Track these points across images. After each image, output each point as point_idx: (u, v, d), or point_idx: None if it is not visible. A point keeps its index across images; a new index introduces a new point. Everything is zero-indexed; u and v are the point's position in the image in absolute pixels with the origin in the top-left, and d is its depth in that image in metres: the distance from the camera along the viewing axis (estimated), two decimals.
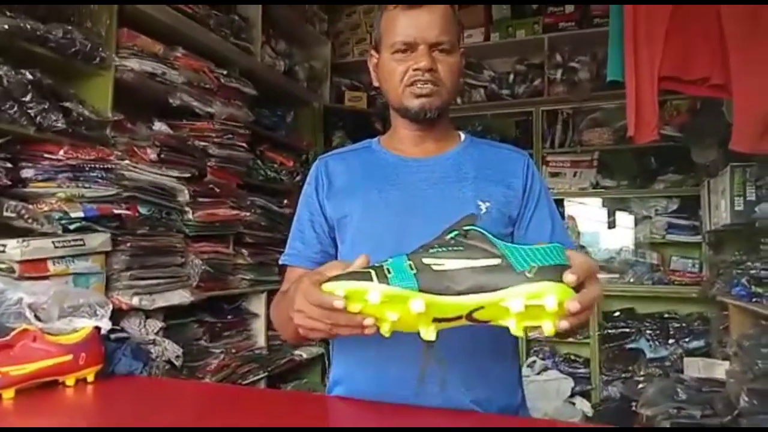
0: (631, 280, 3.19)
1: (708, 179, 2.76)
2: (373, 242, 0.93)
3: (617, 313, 3.22)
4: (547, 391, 2.97)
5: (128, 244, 1.81)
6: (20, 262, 1.44)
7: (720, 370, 2.40)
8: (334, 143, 3.45)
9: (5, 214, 1.50)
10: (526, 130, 3.45)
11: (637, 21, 1.92)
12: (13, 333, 0.94)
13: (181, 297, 1.99)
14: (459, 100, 3.43)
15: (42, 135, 1.60)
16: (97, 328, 1.06)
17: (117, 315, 1.69)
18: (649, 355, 3.02)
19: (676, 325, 3.04)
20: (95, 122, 1.74)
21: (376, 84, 1.05)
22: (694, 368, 2.61)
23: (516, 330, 0.64)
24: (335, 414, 0.93)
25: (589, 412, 2.94)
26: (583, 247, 3.40)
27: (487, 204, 0.95)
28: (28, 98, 1.53)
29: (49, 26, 1.62)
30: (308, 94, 3.30)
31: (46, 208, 1.57)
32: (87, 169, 1.69)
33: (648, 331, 3.06)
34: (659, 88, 1.92)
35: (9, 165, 1.55)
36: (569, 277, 0.60)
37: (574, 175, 3.35)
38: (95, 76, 1.83)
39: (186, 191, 2.10)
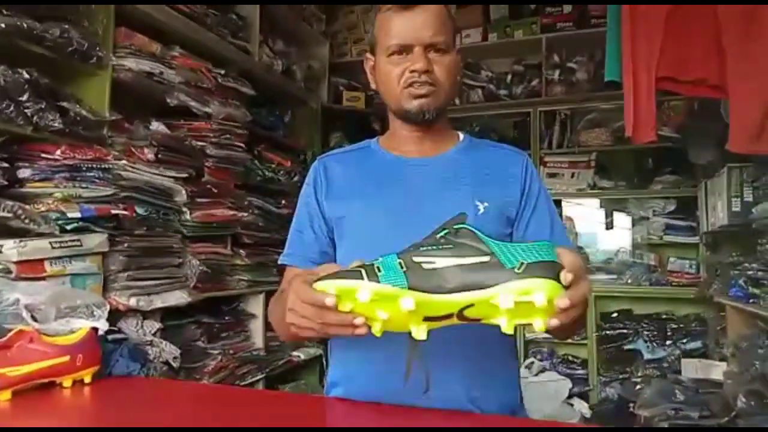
0: (629, 281, 3.19)
1: (705, 180, 2.77)
2: (372, 242, 0.92)
3: (615, 314, 3.22)
4: (545, 392, 2.97)
5: (125, 245, 1.80)
6: (17, 262, 1.43)
7: (717, 371, 2.41)
8: (332, 143, 3.45)
9: (2, 214, 1.48)
10: (524, 130, 3.45)
11: (635, 21, 1.92)
12: (9, 334, 0.94)
13: (178, 298, 1.98)
14: (457, 101, 3.43)
15: (39, 135, 1.59)
16: (95, 329, 1.06)
17: (114, 316, 1.68)
18: (647, 356, 3.02)
19: (674, 326, 3.05)
20: (92, 122, 1.74)
21: (373, 86, 1.05)
22: (692, 369, 2.62)
23: (507, 328, 0.64)
24: (333, 415, 0.93)
25: (587, 413, 2.94)
26: (580, 247, 3.40)
27: (486, 204, 0.95)
28: (24, 98, 1.53)
29: (46, 25, 1.61)
30: (306, 94, 3.30)
31: (43, 209, 1.56)
32: (84, 169, 1.69)
33: (645, 332, 3.06)
34: (657, 89, 1.92)
35: (6, 165, 1.54)
36: (567, 276, 0.60)
37: (572, 175, 3.35)
38: (92, 75, 1.82)
39: (183, 191, 2.09)
